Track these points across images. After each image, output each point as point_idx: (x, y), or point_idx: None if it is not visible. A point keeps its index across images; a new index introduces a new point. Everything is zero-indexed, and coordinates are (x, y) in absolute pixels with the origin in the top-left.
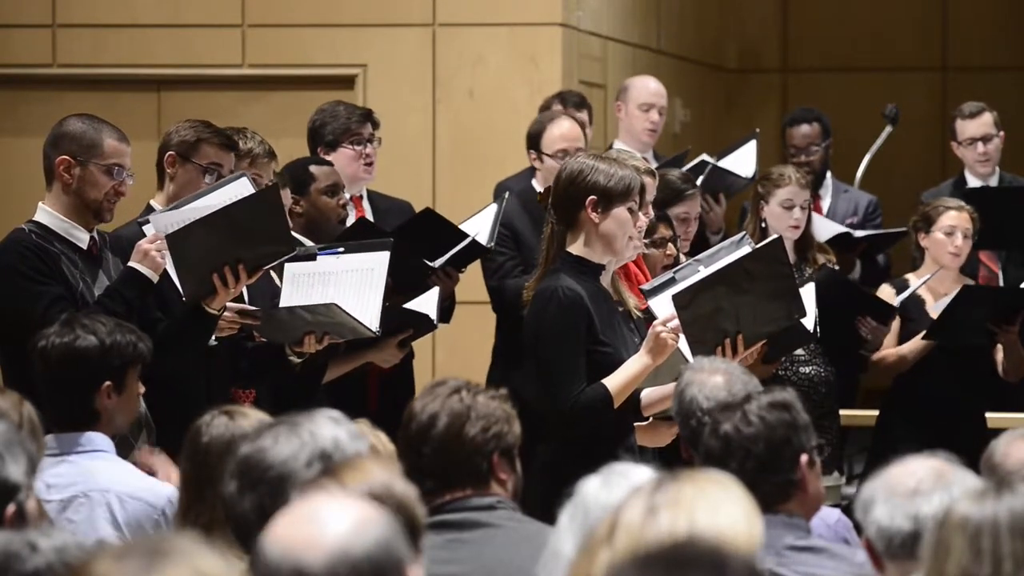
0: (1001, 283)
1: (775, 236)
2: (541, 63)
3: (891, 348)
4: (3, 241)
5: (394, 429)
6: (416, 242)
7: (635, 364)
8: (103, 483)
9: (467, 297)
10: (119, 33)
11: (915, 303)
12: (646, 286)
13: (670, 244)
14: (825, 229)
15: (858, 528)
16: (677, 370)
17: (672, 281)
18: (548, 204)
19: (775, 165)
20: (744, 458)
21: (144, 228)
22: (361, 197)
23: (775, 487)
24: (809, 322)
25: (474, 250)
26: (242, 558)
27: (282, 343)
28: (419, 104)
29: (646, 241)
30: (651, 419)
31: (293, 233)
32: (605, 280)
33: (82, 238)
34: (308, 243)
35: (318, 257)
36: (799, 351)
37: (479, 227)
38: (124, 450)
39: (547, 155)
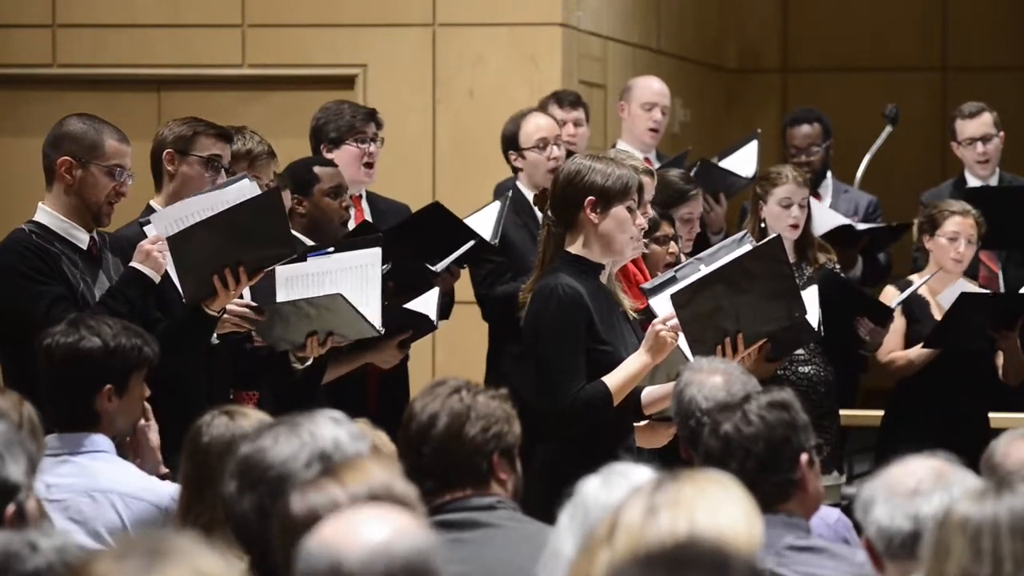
0: (1001, 283)
1: (774, 235)
2: (541, 63)
3: (899, 352)
4: (3, 241)
5: (391, 429)
6: (421, 237)
7: (635, 362)
8: (105, 483)
9: (468, 297)
10: (119, 33)
11: (920, 305)
12: (647, 285)
13: (672, 242)
14: (826, 220)
15: (858, 528)
16: (677, 369)
17: (673, 280)
18: (545, 206)
19: (774, 165)
20: (744, 458)
21: (145, 228)
22: (360, 197)
23: (775, 487)
24: (813, 322)
25: (479, 247)
26: (242, 558)
27: (284, 349)
28: (419, 104)
29: (645, 240)
30: (649, 420)
31: (294, 232)
32: (605, 279)
33: (82, 238)
34: (310, 243)
35: (308, 258)
36: (799, 351)
37: (482, 225)
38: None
39: (527, 150)
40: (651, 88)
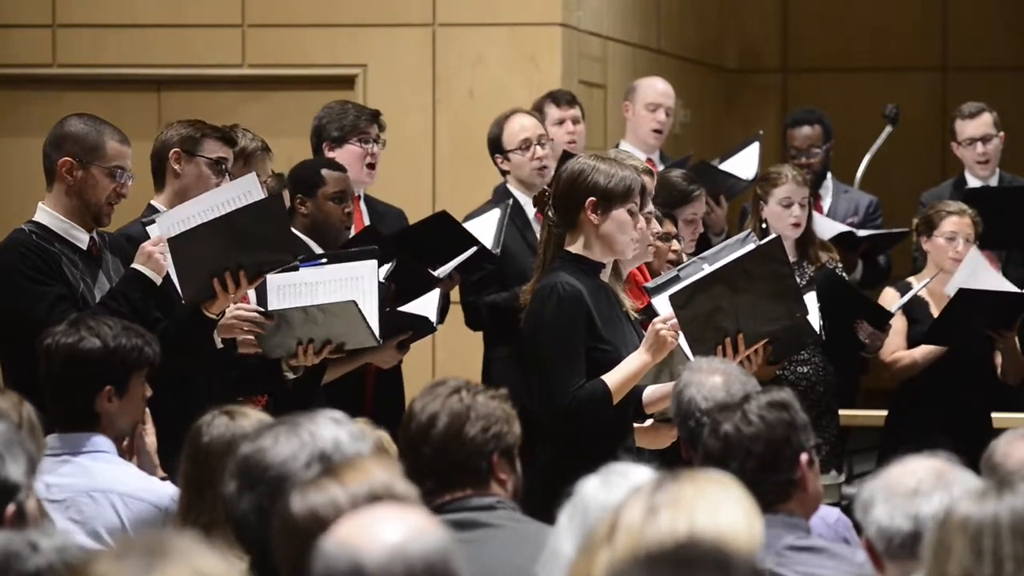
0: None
1: (774, 236)
2: (541, 63)
3: (902, 351)
4: (3, 242)
5: (387, 429)
6: (424, 242)
7: (634, 361)
8: (105, 483)
9: None
10: (119, 33)
11: (920, 306)
12: (650, 284)
13: (674, 240)
14: (827, 229)
15: (858, 528)
16: (678, 369)
17: (677, 279)
18: (545, 206)
19: (774, 165)
20: (744, 458)
21: (149, 229)
22: (359, 198)
23: (775, 487)
24: (814, 324)
25: (481, 256)
26: (242, 558)
27: (278, 357)
28: (419, 104)
29: (656, 246)
30: (651, 421)
31: (295, 231)
32: (607, 278)
33: (82, 239)
34: (310, 243)
35: (301, 268)
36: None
37: (483, 233)
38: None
39: (511, 151)
40: (655, 89)
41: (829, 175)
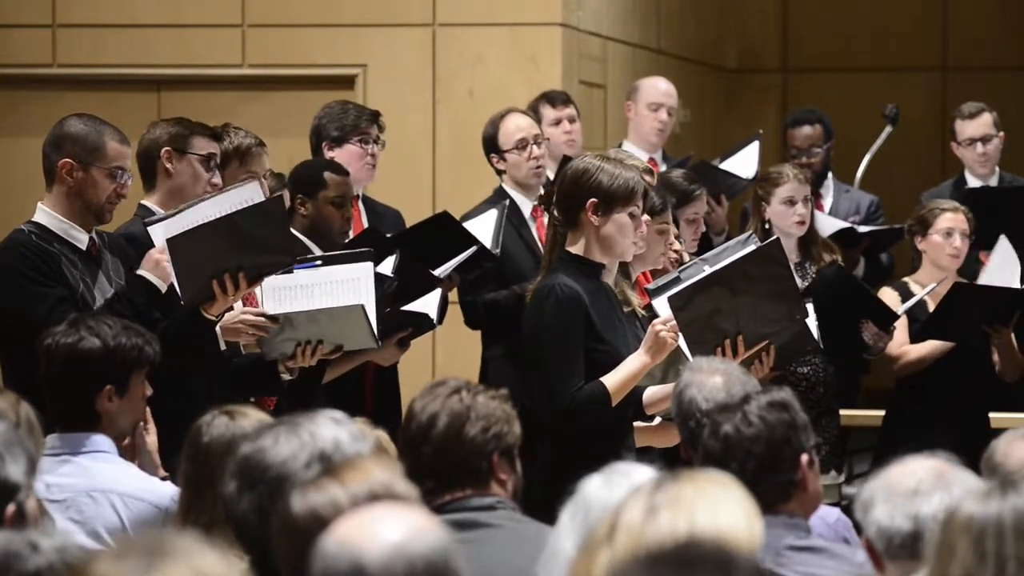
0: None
1: (773, 238)
2: (541, 63)
3: (909, 345)
4: (3, 242)
5: (385, 428)
6: (424, 243)
7: (634, 362)
8: (105, 483)
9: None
10: (119, 33)
11: (919, 304)
12: (651, 285)
13: (676, 240)
14: (827, 226)
15: (858, 528)
16: (678, 369)
17: (678, 280)
18: (549, 205)
19: (774, 165)
20: (745, 459)
21: (151, 230)
22: (357, 198)
23: (776, 487)
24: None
25: (481, 256)
26: (242, 558)
27: (274, 358)
28: (419, 104)
29: (674, 255)
30: (660, 420)
31: (294, 231)
32: (608, 279)
33: (81, 239)
34: (309, 243)
35: (295, 270)
36: None
37: (481, 234)
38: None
39: (507, 151)
40: (657, 88)
41: (830, 175)
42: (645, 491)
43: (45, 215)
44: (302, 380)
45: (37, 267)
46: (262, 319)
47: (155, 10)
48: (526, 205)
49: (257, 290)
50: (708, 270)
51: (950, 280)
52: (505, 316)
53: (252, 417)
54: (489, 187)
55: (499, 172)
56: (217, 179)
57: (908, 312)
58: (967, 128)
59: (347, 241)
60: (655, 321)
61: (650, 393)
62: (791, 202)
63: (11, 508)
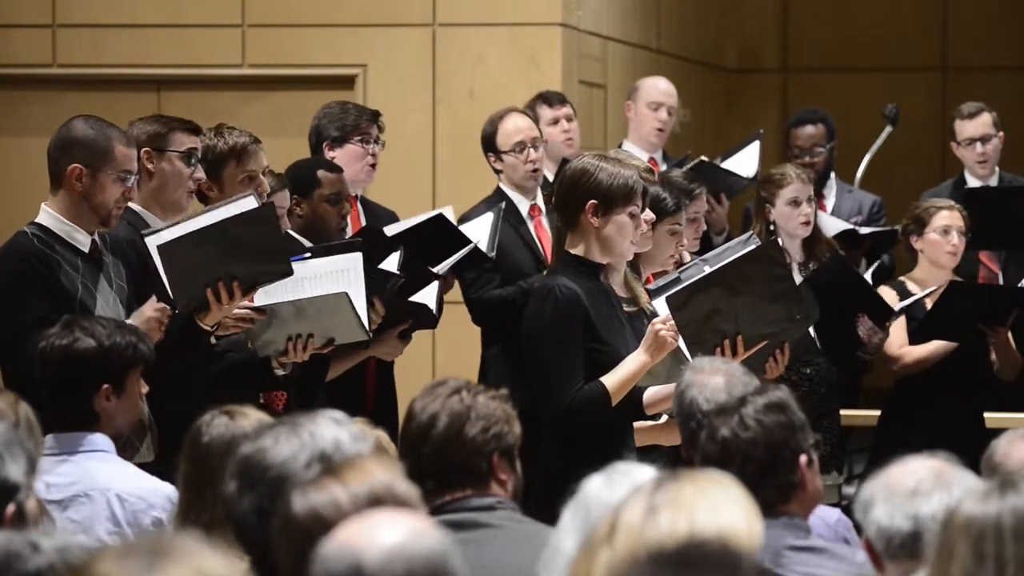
0: (1001, 283)
1: (771, 238)
2: (541, 63)
3: (910, 346)
4: (6, 245)
5: (384, 428)
6: (421, 242)
7: (633, 362)
8: (103, 482)
9: None
10: (119, 33)
11: (917, 305)
12: (652, 286)
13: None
14: (829, 226)
15: (858, 528)
16: (677, 369)
17: (678, 280)
18: (551, 203)
19: (774, 166)
20: (744, 463)
21: (147, 240)
22: (356, 197)
23: (776, 489)
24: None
25: (475, 257)
26: (242, 558)
27: (267, 354)
28: (419, 104)
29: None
30: (666, 418)
31: (290, 231)
32: (617, 278)
33: (83, 241)
34: (306, 242)
35: None
36: None
37: (477, 236)
38: (127, 452)
39: (504, 153)
40: (658, 88)
41: (833, 175)
42: (645, 491)
43: (49, 217)
44: (307, 377)
45: (38, 272)
46: (247, 312)
47: (155, 10)
48: (523, 204)
49: None
50: (708, 270)
51: (944, 278)
52: (511, 312)
53: (252, 417)
54: (489, 187)
55: (496, 171)
56: (199, 173)
57: (907, 312)
58: (967, 128)
59: (346, 239)
60: (655, 320)
61: (650, 393)
62: (796, 203)
63: (11, 508)
